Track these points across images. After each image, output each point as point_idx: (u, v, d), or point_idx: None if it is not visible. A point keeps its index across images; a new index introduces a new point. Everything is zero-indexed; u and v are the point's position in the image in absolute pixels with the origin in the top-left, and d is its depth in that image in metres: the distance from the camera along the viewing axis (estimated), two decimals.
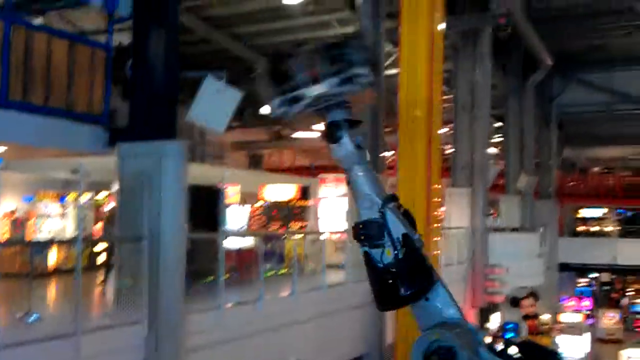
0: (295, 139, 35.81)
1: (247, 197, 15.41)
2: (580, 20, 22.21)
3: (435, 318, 2.34)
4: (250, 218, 14.56)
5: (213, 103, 7.91)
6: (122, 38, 9.13)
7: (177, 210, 7.13)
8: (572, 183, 32.67)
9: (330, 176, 15.63)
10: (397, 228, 2.31)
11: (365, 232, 2.37)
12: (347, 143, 2.38)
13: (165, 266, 6.93)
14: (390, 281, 2.30)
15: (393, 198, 2.39)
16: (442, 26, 12.81)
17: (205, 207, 8.93)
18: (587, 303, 32.45)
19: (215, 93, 7.96)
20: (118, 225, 7.51)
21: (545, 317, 25.34)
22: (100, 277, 9.57)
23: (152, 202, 6.96)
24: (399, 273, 2.28)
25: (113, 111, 8.40)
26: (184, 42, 20.58)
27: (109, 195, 12.31)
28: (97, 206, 13.67)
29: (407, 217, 2.38)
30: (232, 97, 8.04)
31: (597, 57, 27.23)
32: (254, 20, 20.30)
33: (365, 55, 2.31)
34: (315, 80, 2.27)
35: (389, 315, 12.24)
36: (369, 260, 2.38)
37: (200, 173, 13.64)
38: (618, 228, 32.14)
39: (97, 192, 13.65)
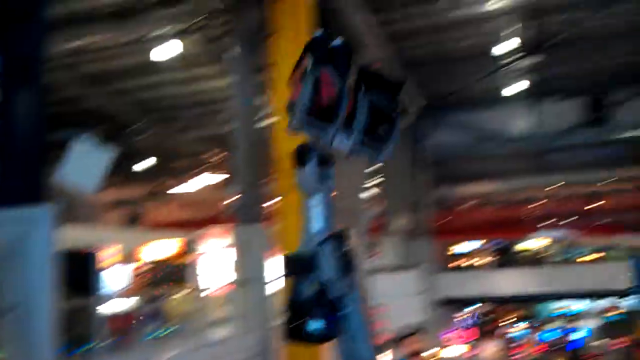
0: (176, 193, 35.32)
1: (127, 257, 14.99)
2: (445, 65, 23.56)
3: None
4: (132, 278, 14.14)
5: (83, 163, 7.76)
6: None
7: (46, 279, 6.87)
8: (447, 219, 34.15)
9: (213, 228, 15.56)
10: (323, 270, 2.40)
11: (292, 265, 2.46)
12: (310, 170, 2.53)
13: (36, 337, 6.64)
14: (304, 317, 2.38)
15: (338, 236, 2.48)
16: None
17: (80, 271, 8.64)
18: (468, 335, 33.69)
19: (85, 153, 7.82)
20: None
21: (431, 351, 26.09)
22: None
23: (20, 272, 6.68)
24: (311, 313, 2.36)
25: None
26: (54, 101, 20.11)
27: None
28: None
29: (346, 259, 2.47)
30: (103, 156, 7.93)
31: (463, 99, 28.89)
32: (127, 75, 20.09)
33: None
34: None
35: None
36: (292, 288, 2.44)
37: (74, 236, 13.17)
38: (490, 260, 33.86)
39: None
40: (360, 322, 2.50)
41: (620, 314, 34.45)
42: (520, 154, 32.59)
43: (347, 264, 2.57)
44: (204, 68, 19.63)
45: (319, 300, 2.48)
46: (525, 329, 34.72)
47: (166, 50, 16.93)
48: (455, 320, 35.95)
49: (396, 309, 18.03)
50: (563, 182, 33.48)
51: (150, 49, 17.30)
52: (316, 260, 2.53)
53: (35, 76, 7.90)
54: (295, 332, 2.46)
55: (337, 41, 2.66)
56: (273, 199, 20.97)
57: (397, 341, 20.77)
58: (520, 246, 39.65)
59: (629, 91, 27.39)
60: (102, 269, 11.23)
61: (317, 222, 2.60)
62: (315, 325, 2.44)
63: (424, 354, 24.34)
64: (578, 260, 35.71)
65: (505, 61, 23.66)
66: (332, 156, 2.73)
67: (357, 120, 2.70)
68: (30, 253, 6.75)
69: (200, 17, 14.55)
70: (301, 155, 2.71)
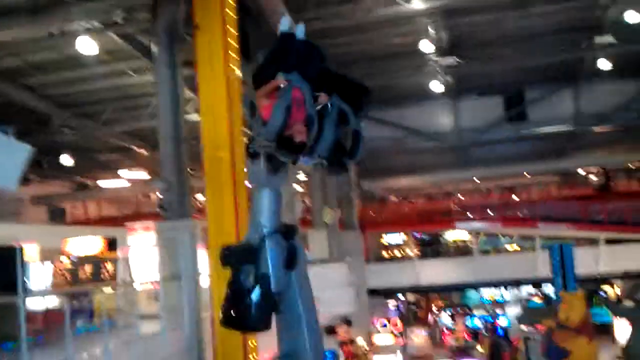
0: (100, 188, 34.55)
1: (50, 254, 14.65)
2: (369, 62, 23.96)
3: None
4: (55, 275, 13.83)
5: (1, 159, 7.57)
6: None
7: None
8: (372, 213, 34.76)
9: (138, 225, 15.34)
10: (265, 263, 2.47)
11: (232, 254, 2.52)
12: (260, 163, 2.60)
13: None
14: (242, 306, 2.45)
15: (283, 231, 2.55)
16: (238, 71, 13.27)
17: (5, 267, 8.42)
18: (397, 324, 34.41)
19: (2, 149, 7.62)
20: None
21: (360, 341, 26.55)
22: None
23: None
24: (249, 304, 2.43)
25: None
26: None
27: None
28: None
29: (290, 253, 2.54)
30: (21, 151, 7.73)
31: (388, 96, 29.44)
32: (46, 70, 19.54)
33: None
34: None
35: (208, 357, 12.25)
36: (233, 277, 2.50)
37: None
38: (416, 251, 34.68)
39: None
40: (300, 315, 2.57)
41: (541, 300, 35.91)
42: (444, 149, 33.49)
43: (290, 259, 2.67)
44: (127, 62, 19.32)
45: (255, 297, 2.56)
46: (453, 316, 35.75)
47: (88, 45, 16.57)
48: (385, 309, 36.66)
49: (326, 300, 18.24)
50: (484, 176, 34.60)
51: (71, 43, 16.90)
52: (258, 253, 2.63)
53: None
54: (232, 320, 2.54)
55: (300, 33, 2.76)
56: (199, 193, 20.87)
57: (328, 331, 21.09)
58: (445, 237, 40.77)
59: (545, 89, 28.63)
60: (27, 265, 10.98)
61: (263, 216, 2.70)
62: (249, 320, 2.52)
63: (354, 343, 24.76)
64: (500, 250, 37.05)
65: (426, 59, 24.32)
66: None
67: (323, 143, 2.83)
68: None
69: (123, 11, 14.32)
70: (252, 148, 2.82)
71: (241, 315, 2.51)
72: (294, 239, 2.69)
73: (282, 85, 2.72)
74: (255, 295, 2.53)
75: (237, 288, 2.56)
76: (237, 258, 2.57)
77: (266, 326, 2.54)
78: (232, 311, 2.53)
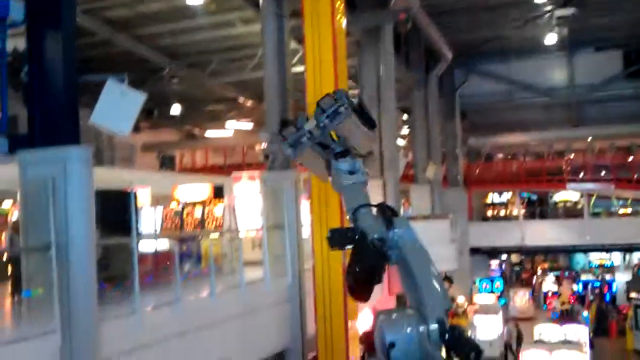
0: (207, 138, 35.54)
1: (160, 199, 15.19)
2: (477, 13, 23.09)
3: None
4: (164, 220, 14.36)
5: (116, 106, 7.80)
6: (19, 43, 8.85)
7: (84, 217, 6.99)
8: (478, 170, 33.93)
9: (244, 174, 15.65)
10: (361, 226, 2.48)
11: (337, 235, 2.56)
12: (335, 167, 2.71)
13: (75, 274, 6.79)
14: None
15: (378, 206, 2.56)
16: (344, 23, 13.05)
17: (115, 211, 8.78)
18: (499, 284, 33.79)
19: (117, 96, 7.84)
20: (24, 234, 7.29)
21: (461, 299, 26.25)
22: (9, 288, 9.24)
23: (58, 209, 6.81)
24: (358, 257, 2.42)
25: (13, 118, 8.13)
26: (85, 45, 20.16)
27: (14, 204, 11.87)
28: (3, 215, 13.15)
29: (385, 214, 2.53)
30: (135, 99, 7.94)
31: (495, 49, 28.38)
32: (156, 20, 20.01)
33: (346, 98, 2.74)
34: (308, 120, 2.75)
35: (309, 309, 12.42)
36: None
37: (109, 177, 13.38)
38: (523, 211, 33.61)
39: (0, 202, 13.13)
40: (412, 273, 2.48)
41: None
42: (555, 105, 32.07)
43: (387, 220, 2.59)
44: (234, 13, 19.46)
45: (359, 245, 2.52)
46: (559, 279, 34.67)
47: None
48: (487, 269, 36.08)
49: None
50: (598, 135, 32.89)
51: None
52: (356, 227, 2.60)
53: (63, 19, 7.88)
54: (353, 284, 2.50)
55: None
56: None
57: None
58: (554, 198, 39.32)
59: None
60: (139, 209, 11.42)
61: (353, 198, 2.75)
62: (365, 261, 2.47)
63: (454, 302, 24.49)
64: (612, 213, 35.35)
65: (540, 11, 23.12)
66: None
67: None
68: (67, 191, 6.86)
69: None
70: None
71: (355, 273, 2.44)
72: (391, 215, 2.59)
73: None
74: (357, 249, 2.44)
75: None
76: (342, 239, 2.51)
77: (364, 294, 2.45)
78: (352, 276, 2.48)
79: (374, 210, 2.58)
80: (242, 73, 23.92)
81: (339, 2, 12.80)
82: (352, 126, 2.77)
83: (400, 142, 28.01)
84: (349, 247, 2.48)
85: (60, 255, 6.76)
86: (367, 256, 2.42)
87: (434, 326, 2.15)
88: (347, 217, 2.68)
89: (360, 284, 2.42)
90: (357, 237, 2.46)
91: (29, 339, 6.47)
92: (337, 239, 2.54)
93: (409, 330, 2.17)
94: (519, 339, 24.10)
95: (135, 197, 8.56)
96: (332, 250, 2.65)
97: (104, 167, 23.96)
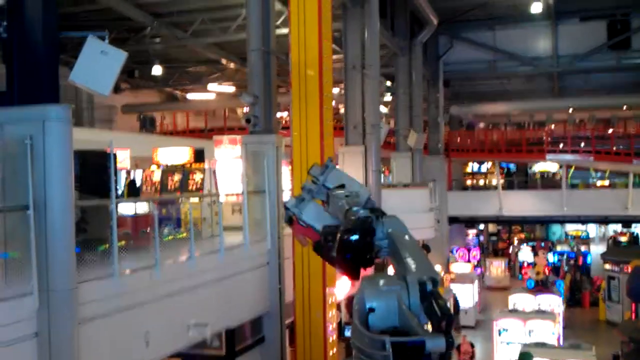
0: (189, 100, 35.19)
1: (139, 162, 15.04)
2: None
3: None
4: (144, 182, 14.24)
5: (96, 64, 7.61)
6: None
7: (63, 177, 6.86)
8: (459, 139, 34.02)
9: (225, 137, 15.51)
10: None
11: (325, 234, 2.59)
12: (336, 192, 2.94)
13: (53, 235, 6.69)
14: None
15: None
16: None
17: (94, 172, 8.65)
18: (475, 253, 34.17)
19: (98, 54, 7.65)
20: (1, 194, 7.16)
21: (438, 267, 26.53)
22: None
23: (36, 169, 6.68)
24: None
25: None
26: (66, 1, 19.66)
27: None
28: None
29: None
30: (116, 58, 7.75)
31: (481, 16, 28.21)
32: None
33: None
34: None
35: (288, 274, 12.46)
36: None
37: (88, 137, 13.17)
38: (502, 181, 33.85)
39: None
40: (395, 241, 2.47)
41: (628, 240, 34.73)
42: (538, 75, 32.09)
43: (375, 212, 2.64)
44: None
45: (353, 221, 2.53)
46: (535, 250, 35.14)
47: None
48: (464, 238, 36.45)
49: (406, 224, 18.13)
50: (579, 106, 33.08)
51: None
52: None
53: None
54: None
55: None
56: (287, 110, 20.84)
57: None
58: (532, 169, 39.61)
59: None
60: (119, 172, 11.29)
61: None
62: (353, 237, 2.45)
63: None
64: (589, 185, 35.73)
65: None
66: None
67: None
68: (46, 151, 6.72)
69: None
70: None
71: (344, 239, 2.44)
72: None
73: None
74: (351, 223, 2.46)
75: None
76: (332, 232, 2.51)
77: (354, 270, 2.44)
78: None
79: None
80: (225, 34, 23.57)
81: None
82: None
83: (383, 109, 27.93)
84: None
85: (38, 216, 6.66)
86: (353, 234, 2.40)
87: (414, 289, 2.11)
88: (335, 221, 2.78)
89: (347, 264, 2.39)
90: (346, 216, 2.46)
91: (5, 301, 6.39)
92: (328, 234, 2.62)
93: (389, 295, 2.13)
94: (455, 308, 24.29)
95: (115, 158, 8.40)
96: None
97: (84, 128, 23.62)
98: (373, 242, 2.38)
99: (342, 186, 2.94)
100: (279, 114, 19.09)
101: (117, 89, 28.83)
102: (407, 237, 2.43)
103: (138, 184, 13.84)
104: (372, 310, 2.11)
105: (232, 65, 28.95)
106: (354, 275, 2.41)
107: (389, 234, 2.42)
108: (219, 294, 10.43)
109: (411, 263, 2.21)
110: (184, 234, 10.83)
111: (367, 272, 2.38)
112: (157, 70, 28.20)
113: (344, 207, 2.61)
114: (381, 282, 2.18)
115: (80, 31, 8.62)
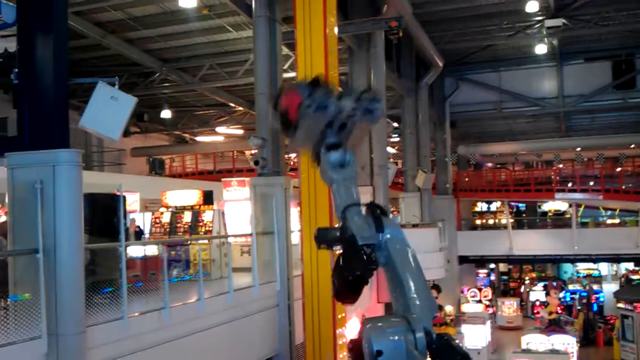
0: (197, 143, 35.47)
1: (149, 204, 15.12)
2: (468, 22, 23.17)
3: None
4: (153, 225, 14.30)
5: (106, 110, 7.74)
6: (10, 45, 8.78)
7: (73, 220, 6.92)
8: (467, 178, 34.01)
9: (233, 179, 15.61)
10: (349, 229, 2.41)
11: (324, 233, 2.49)
12: (325, 159, 2.56)
13: (63, 278, 6.72)
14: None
15: (368, 206, 2.48)
16: (336, 30, 13.06)
17: (104, 215, 8.71)
18: (486, 293, 33.80)
19: (108, 99, 7.79)
20: (12, 238, 7.21)
21: (449, 308, 26.28)
22: None
23: (46, 213, 6.74)
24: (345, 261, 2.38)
25: (3, 120, 8.06)
26: (76, 48, 20.06)
27: (2, 207, 11.78)
28: None
29: (375, 217, 2.46)
30: (126, 103, 7.89)
31: (486, 58, 28.49)
32: (148, 24, 19.96)
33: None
34: (341, 98, 2.49)
35: (298, 315, 12.38)
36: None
37: (98, 180, 13.27)
38: (512, 220, 33.71)
39: None
40: (401, 280, 2.44)
41: None
42: (545, 115, 32.22)
43: (378, 222, 2.52)
44: (226, 18, 19.44)
45: (347, 248, 2.47)
46: (546, 289, 34.73)
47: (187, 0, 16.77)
48: (475, 278, 36.12)
49: None
50: (587, 145, 33.11)
51: None
52: (344, 227, 2.52)
53: (54, 21, 7.82)
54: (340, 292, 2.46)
55: None
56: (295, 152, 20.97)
57: None
58: (542, 207, 39.44)
59: None
60: (128, 214, 11.34)
61: (340, 201, 2.62)
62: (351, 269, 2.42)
63: (442, 310, 24.51)
64: (600, 223, 35.50)
65: (530, 21, 23.25)
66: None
67: None
68: (56, 195, 6.80)
69: None
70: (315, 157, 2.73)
71: (342, 277, 2.39)
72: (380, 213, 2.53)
73: None
74: (345, 252, 2.41)
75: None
76: (329, 238, 2.45)
77: (351, 298, 2.41)
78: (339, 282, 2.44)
79: (363, 209, 2.52)
80: (233, 78, 23.90)
81: (331, 9, 12.82)
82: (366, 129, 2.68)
83: (390, 150, 28.06)
84: (336, 247, 2.43)
85: (48, 260, 6.70)
86: (355, 265, 2.38)
87: (420, 335, 2.12)
88: (336, 214, 2.62)
89: (346, 289, 2.39)
90: (346, 239, 2.42)
91: (14, 344, 6.39)
92: (324, 237, 2.49)
93: (396, 338, 2.14)
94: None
95: (124, 201, 8.48)
96: (319, 249, 2.59)
97: (93, 171, 23.81)
98: (372, 272, 2.39)
99: (339, 144, 2.75)
100: (287, 155, 19.23)
101: (126, 133, 29.12)
102: (406, 251, 2.42)
103: (145, 230, 13.89)
104: (380, 353, 2.12)
105: (240, 108, 29.26)
106: (350, 301, 2.42)
107: (388, 250, 2.41)
108: (228, 336, 10.37)
109: (413, 301, 2.22)
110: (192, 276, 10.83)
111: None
112: (166, 113, 28.54)
113: (340, 205, 2.55)
114: (385, 324, 2.19)
115: (91, 76, 8.79)
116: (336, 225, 2.52)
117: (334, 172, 2.58)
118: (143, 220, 14.34)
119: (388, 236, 2.38)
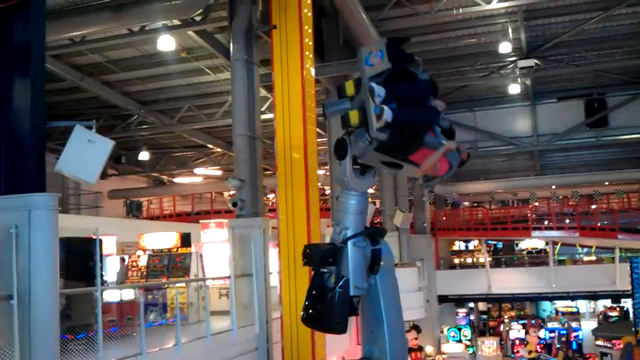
0: (175, 184, 35.32)
1: (125, 247, 14.98)
2: (441, 63, 23.56)
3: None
4: (130, 268, 14.14)
5: (83, 153, 7.72)
6: None
7: (48, 265, 6.83)
8: (444, 217, 34.17)
9: (212, 221, 15.55)
10: (345, 267, 2.39)
11: (314, 254, 2.47)
12: (347, 165, 2.61)
13: (37, 324, 6.61)
14: (321, 306, 2.38)
15: (368, 234, 2.48)
16: (312, 72, 13.24)
17: (80, 259, 8.61)
18: (466, 333, 33.68)
19: (85, 143, 7.77)
20: None
21: (429, 349, 26.13)
22: None
23: (21, 258, 6.65)
24: (329, 305, 2.36)
25: None
26: (53, 90, 20.05)
27: None
28: None
29: (374, 257, 2.46)
30: (103, 147, 7.88)
31: (461, 98, 28.90)
32: (126, 67, 20.04)
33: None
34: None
35: (277, 358, 12.24)
36: (315, 276, 2.43)
37: (74, 224, 13.13)
38: (489, 259, 33.84)
39: None
40: (382, 320, 2.47)
41: (619, 315, 34.44)
42: (520, 154, 32.62)
43: (374, 263, 2.57)
44: (204, 60, 19.59)
45: (335, 300, 2.50)
46: (525, 327, 34.71)
47: (167, 42, 16.88)
48: (454, 317, 35.97)
49: None
50: (562, 183, 33.53)
51: (151, 41, 17.26)
52: (340, 255, 2.54)
53: (32, 65, 7.82)
54: (312, 319, 2.47)
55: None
56: (272, 193, 21.00)
57: None
58: (519, 246, 39.62)
59: (627, 94, 27.44)
60: (104, 257, 11.22)
61: (347, 218, 2.64)
62: (329, 314, 2.45)
63: (423, 351, 24.36)
64: (577, 261, 35.75)
65: (504, 61, 23.73)
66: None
67: None
68: (31, 239, 6.72)
69: (201, 10, 14.46)
70: (339, 149, 2.80)
71: (320, 315, 2.41)
72: (380, 243, 2.56)
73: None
74: (334, 297, 2.42)
75: (319, 288, 2.46)
76: (318, 258, 2.47)
77: (342, 329, 2.43)
78: (312, 310, 2.44)
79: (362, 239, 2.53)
80: (211, 120, 23.98)
81: (307, 51, 13.01)
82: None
83: (369, 190, 28.17)
84: (323, 270, 2.42)
85: (22, 305, 6.59)
86: (340, 311, 2.40)
87: None
88: (332, 223, 2.68)
89: (317, 320, 2.40)
90: (337, 282, 2.44)
91: None
92: (314, 257, 2.49)
93: None
94: None
95: (101, 245, 8.40)
96: (304, 266, 2.59)
97: (70, 214, 23.57)
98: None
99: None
100: (265, 197, 19.23)
101: (103, 175, 28.95)
102: (392, 291, 2.45)
103: (126, 269, 13.73)
104: None
105: (218, 149, 29.29)
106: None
107: (376, 292, 2.43)
108: None
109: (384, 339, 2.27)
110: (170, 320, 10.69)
111: None
112: (144, 155, 28.46)
113: (340, 224, 2.56)
114: None
115: (68, 119, 8.77)
116: (325, 243, 2.53)
117: (350, 179, 2.60)
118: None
119: (377, 280, 2.42)
